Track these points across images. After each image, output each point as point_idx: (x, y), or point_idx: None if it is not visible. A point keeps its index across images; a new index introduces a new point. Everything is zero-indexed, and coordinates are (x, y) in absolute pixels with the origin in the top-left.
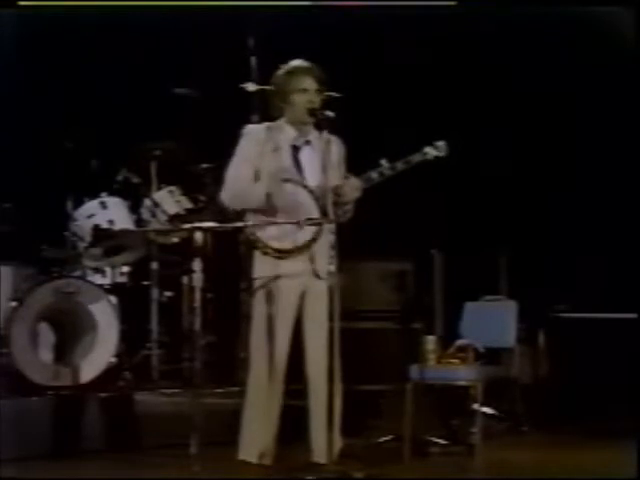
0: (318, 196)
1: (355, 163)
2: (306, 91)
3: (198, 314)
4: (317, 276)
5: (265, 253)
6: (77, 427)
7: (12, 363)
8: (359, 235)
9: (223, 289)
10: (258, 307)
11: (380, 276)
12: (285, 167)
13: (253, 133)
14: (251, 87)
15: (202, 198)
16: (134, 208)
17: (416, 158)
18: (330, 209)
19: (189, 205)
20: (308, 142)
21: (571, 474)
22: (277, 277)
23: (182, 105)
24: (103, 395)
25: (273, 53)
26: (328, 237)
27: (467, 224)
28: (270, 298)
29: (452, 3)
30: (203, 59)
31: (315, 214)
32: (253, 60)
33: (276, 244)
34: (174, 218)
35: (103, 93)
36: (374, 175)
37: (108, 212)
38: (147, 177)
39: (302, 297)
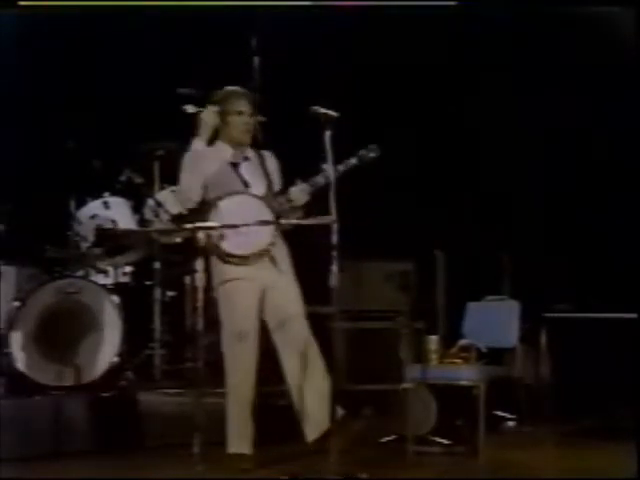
0: (270, 203)
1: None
2: (242, 113)
3: (200, 314)
4: (279, 270)
5: (227, 262)
6: (79, 427)
7: (14, 363)
8: (362, 235)
9: None
10: (223, 310)
11: (383, 276)
12: (230, 182)
13: (195, 153)
14: (190, 109)
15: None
16: (137, 208)
17: (354, 161)
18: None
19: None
20: (247, 158)
21: (571, 474)
22: (237, 280)
23: (185, 105)
24: (105, 395)
25: (274, 53)
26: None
27: (469, 224)
28: (235, 300)
29: (452, 3)
30: (206, 59)
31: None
32: (256, 60)
33: (238, 251)
34: (177, 218)
35: (105, 93)
36: (320, 179)
37: (111, 212)
38: (150, 177)
39: (263, 295)
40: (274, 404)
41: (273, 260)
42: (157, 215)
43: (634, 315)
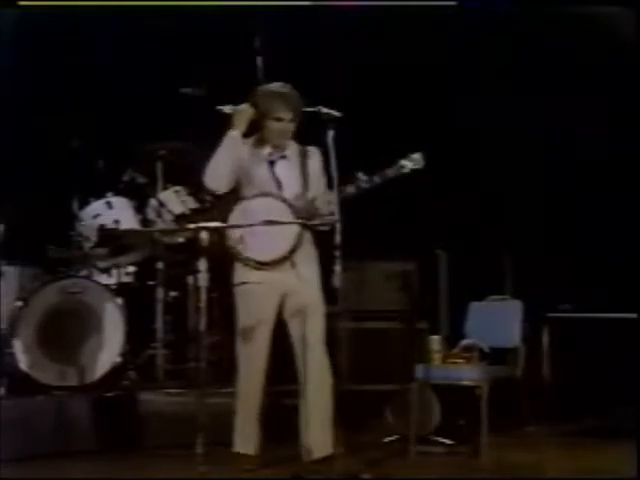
0: (297, 209)
1: (361, 159)
2: (281, 120)
3: (203, 314)
4: (301, 279)
5: (246, 265)
6: (82, 427)
7: (17, 363)
8: (364, 235)
9: (228, 288)
10: (238, 312)
11: (385, 276)
12: (262, 180)
13: (231, 138)
14: (227, 109)
15: (208, 198)
16: (140, 208)
17: (392, 172)
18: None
19: (195, 205)
20: (284, 157)
21: (572, 474)
22: (255, 284)
23: (188, 104)
24: (108, 395)
25: (275, 53)
26: (309, 244)
27: (472, 224)
28: (250, 302)
29: (452, 3)
30: (208, 58)
31: (292, 227)
32: (259, 60)
33: (257, 256)
34: (180, 218)
35: (107, 93)
36: (350, 189)
37: (114, 212)
38: (153, 177)
39: (283, 300)
40: (279, 403)
41: (294, 265)
42: (160, 215)
43: (634, 315)
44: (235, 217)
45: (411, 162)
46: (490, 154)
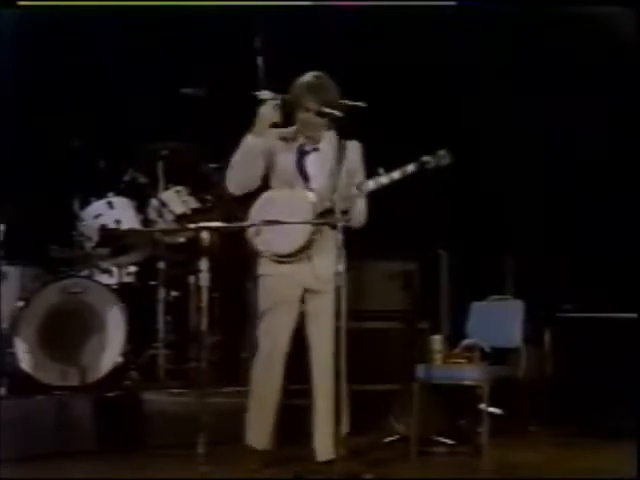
0: (316, 203)
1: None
2: (309, 111)
3: (205, 314)
4: (316, 275)
5: (262, 256)
6: (83, 427)
7: (19, 363)
8: (366, 235)
9: (230, 288)
10: (261, 302)
11: (386, 276)
12: (288, 172)
13: (251, 146)
14: (265, 95)
15: (209, 198)
16: (141, 208)
17: (412, 168)
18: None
19: (196, 205)
20: (316, 149)
21: (572, 474)
22: (270, 276)
23: (189, 105)
24: (110, 395)
25: (275, 53)
26: (329, 240)
27: (473, 224)
28: (270, 294)
29: (452, 3)
30: (210, 58)
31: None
32: (260, 60)
33: (272, 249)
34: (181, 218)
35: (108, 93)
36: (370, 184)
37: (115, 212)
38: (154, 177)
39: (304, 295)
40: (289, 402)
41: (310, 259)
42: (161, 215)
43: (634, 315)
44: (256, 208)
45: (435, 158)
46: (490, 154)
